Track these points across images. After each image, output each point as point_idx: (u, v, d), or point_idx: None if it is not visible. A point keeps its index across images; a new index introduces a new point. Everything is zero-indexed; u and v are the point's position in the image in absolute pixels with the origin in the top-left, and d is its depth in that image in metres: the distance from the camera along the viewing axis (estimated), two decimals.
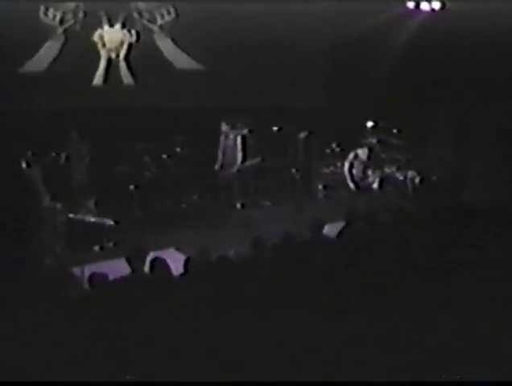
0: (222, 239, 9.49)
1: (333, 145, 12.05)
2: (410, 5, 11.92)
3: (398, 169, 11.77)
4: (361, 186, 11.15)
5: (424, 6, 11.84)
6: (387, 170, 11.66)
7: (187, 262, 6.92)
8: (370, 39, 11.83)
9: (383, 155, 11.86)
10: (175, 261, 7.11)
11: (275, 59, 11.84)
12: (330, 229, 8.27)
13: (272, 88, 11.87)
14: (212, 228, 10.40)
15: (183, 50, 11.72)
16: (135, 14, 11.44)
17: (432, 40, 11.59)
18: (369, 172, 11.26)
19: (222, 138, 11.73)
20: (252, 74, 11.80)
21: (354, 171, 11.14)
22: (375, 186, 11.43)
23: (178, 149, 11.63)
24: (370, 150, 11.21)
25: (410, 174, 11.75)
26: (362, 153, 11.14)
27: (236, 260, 7.12)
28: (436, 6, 11.75)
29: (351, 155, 11.18)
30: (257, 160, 11.73)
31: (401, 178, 11.72)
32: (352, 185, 11.14)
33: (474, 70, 11.37)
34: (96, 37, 11.35)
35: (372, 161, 11.27)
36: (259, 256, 7.27)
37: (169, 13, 11.56)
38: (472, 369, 5.52)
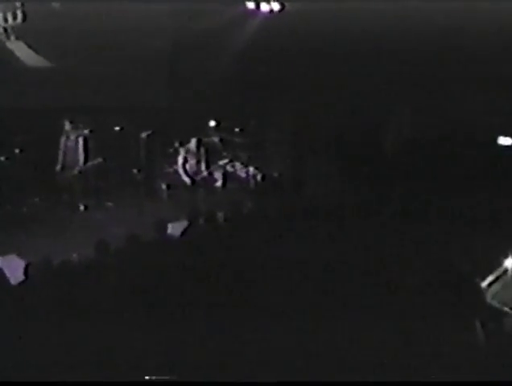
0: (65, 242, 9.36)
1: (176, 145, 12.08)
2: (251, 5, 12.15)
3: (241, 166, 12.02)
4: (202, 183, 11.38)
5: (264, 7, 12.10)
6: (229, 168, 11.89)
7: (27, 268, 6.79)
8: (212, 38, 11.98)
9: (225, 154, 12.08)
10: (16, 268, 6.96)
11: (119, 58, 11.76)
12: (174, 228, 8.33)
13: (114, 88, 11.78)
14: (54, 232, 10.19)
15: (24, 48, 11.43)
16: None
17: (273, 40, 11.88)
18: (203, 165, 11.52)
19: (63, 139, 11.56)
20: (94, 73, 11.66)
21: (188, 166, 11.37)
22: (218, 184, 11.69)
23: (17, 151, 11.34)
24: (199, 142, 11.49)
25: (252, 171, 12.05)
26: (192, 146, 11.44)
27: (79, 264, 7.07)
28: (276, 7, 12.04)
29: (182, 150, 11.47)
30: (98, 161, 11.65)
31: (243, 175, 11.98)
32: (187, 180, 11.37)
33: (314, 71, 11.76)
34: None
35: (209, 158, 11.54)
36: (103, 259, 7.25)
37: (7, 9, 11.25)
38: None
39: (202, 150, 11.58)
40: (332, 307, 6.40)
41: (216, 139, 12.18)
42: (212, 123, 12.35)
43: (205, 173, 11.52)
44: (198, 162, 11.48)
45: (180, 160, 11.46)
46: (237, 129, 12.52)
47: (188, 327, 6.03)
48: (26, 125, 11.08)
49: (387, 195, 10.58)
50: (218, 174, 11.77)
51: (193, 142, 11.51)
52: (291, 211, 9.41)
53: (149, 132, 12.09)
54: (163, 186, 11.99)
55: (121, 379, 5.56)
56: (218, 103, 12.29)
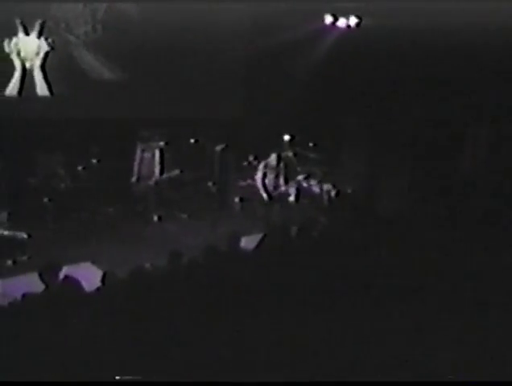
0: (139, 252, 9.47)
1: (250, 158, 12.10)
2: (328, 20, 12.01)
3: (315, 182, 11.92)
4: (277, 198, 11.31)
5: (341, 22, 11.94)
6: (304, 183, 11.81)
7: (104, 277, 6.82)
8: (288, 53, 11.93)
9: (299, 168, 11.99)
10: (91, 275, 7.02)
11: (192, 71, 11.79)
12: (247, 242, 8.28)
13: (189, 100, 11.80)
14: (128, 242, 10.32)
15: (100, 60, 11.54)
16: (52, 23, 11.17)
17: (349, 55, 11.75)
18: (281, 181, 11.51)
19: (139, 150, 11.72)
20: (169, 86, 11.71)
21: (267, 181, 11.36)
22: (291, 199, 11.58)
23: (94, 161, 11.46)
24: (279, 157, 11.47)
25: (326, 187, 11.93)
26: (272, 161, 11.39)
27: (152, 274, 7.07)
28: (353, 22, 11.87)
29: (261, 165, 11.48)
30: (175, 173, 11.73)
31: (317, 191, 11.89)
32: (265, 195, 11.38)
33: (390, 86, 11.60)
34: (10, 45, 11.03)
35: (287, 173, 11.51)
36: (176, 270, 7.23)
37: (87, 23, 11.37)
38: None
39: (282, 165, 11.49)
40: (403, 324, 6.31)
41: (289, 154, 12.12)
42: (287, 137, 12.28)
43: (283, 188, 11.44)
44: (276, 177, 11.40)
45: (260, 175, 11.43)
46: (311, 144, 12.45)
47: (259, 339, 5.94)
48: (104, 135, 11.22)
49: (464, 212, 10.33)
50: (292, 189, 11.71)
51: (273, 157, 11.43)
52: (365, 228, 9.22)
53: (223, 145, 12.18)
54: (236, 200, 12.04)
55: None
56: (292, 117, 12.25)
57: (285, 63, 12.16)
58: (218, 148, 12.18)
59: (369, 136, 12.60)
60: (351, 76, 11.80)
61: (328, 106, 12.05)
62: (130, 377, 5.41)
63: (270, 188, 11.46)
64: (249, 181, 12.09)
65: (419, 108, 11.80)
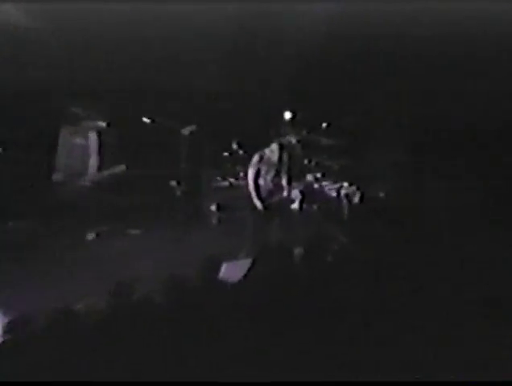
0: (67, 285, 9.39)
1: (234, 147, 12.09)
2: None
3: (329, 180, 12.02)
4: (275, 206, 11.30)
5: None
6: (314, 183, 12.01)
7: (9, 326, 6.76)
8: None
9: (306, 161, 12.02)
10: None
11: (152, 23, 11.77)
12: (229, 269, 8.23)
13: (143, 62, 11.71)
14: (50, 272, 10.24)
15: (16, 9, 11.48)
16: None
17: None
18: (284, 181, 11.74)
19: (65, 134, 11.70)
20: (114, 41, 11.67)
21: (261, 182, 11.51)
22: (295, 206, 11.76)
23: None
24: (281, 148, 11.70)
25: (345, 188, 11.99)
26: (271, 154, 11.60)
27: (87, 319, 7.01)
28: None
29: (255, 158, 11.69)
30: (121, 168, 11.72)
31: (333, 193, 11.89)
32: (257, 202, 11.61)
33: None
34: None
35: (291, 169, 11.82)
36: (123, 312, 7.18)
37: None
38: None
39: (285, 158, 11.63)
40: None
41: (292, 139, 12.07)
42: (287, 115, 12.22)
43: (285, 192, 11.53)
44: (276, 176, 11.41)
45: (252, 172, 11.46)
46: (323, 125, 12.35)
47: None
48: (13, 113, 11.20)
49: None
50: (295, 191, 11.82)
51: (274, 148, 11.77)
52: (401, 249, 9.31)
53: (193, 127, 12.16)
54: (213, 208, 12.06)
55: None
56: (294, 86, 12.19)
57: (286, 14, 12.14)
58: (186, 131, 12.18)
59: (409, 114, 12.53)
60: (379, 31, 11.84)
61: (348, 71, 11.99)
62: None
63: (265, 191, 11.52)
64: (231, 180, 12.16)
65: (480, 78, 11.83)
